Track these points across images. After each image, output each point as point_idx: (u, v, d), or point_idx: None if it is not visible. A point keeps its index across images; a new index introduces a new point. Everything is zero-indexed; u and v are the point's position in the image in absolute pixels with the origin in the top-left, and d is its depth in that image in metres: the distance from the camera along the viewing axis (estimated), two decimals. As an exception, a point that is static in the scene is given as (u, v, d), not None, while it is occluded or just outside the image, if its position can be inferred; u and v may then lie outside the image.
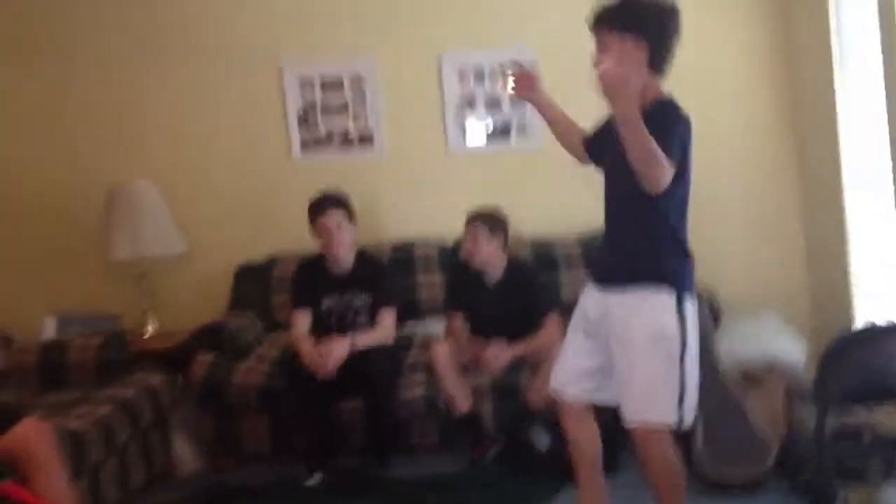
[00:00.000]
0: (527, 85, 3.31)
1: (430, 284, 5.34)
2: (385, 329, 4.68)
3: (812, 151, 5.32)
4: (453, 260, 5.21)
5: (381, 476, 4.38)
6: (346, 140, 5.63)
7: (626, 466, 4.07)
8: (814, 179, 5.34)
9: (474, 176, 5.58)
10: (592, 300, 3.19)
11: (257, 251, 5.50)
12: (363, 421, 4.52)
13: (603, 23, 3.02)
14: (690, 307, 3.01)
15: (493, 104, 5.60)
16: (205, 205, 5.63)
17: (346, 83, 5.60)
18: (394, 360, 4.72)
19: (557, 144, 5.26)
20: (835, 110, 4.87)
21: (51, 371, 4.68)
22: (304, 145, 5.63)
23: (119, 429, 4.20)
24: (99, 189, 5.35)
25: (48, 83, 5.56)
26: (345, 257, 4.71)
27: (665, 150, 2.77)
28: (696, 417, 4.01)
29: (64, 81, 5.57)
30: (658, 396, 2.98)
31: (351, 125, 5.63)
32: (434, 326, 5.15)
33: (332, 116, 5.61)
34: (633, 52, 2.95)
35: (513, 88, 3.33)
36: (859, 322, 4.70)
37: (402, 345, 4.95)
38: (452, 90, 5.58)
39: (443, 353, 4.61)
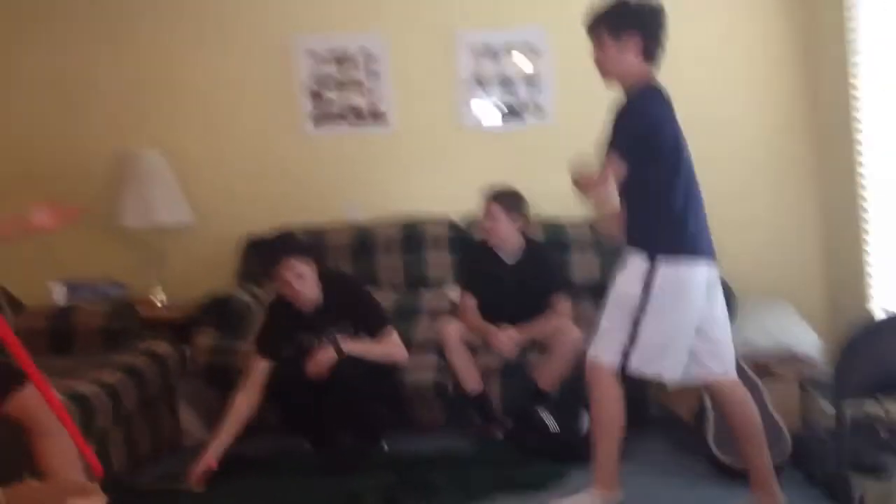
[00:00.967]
0: (588, 184, 3.36)
1: (439, 263, 5.31)
2: (385, 344, 4.38)
3: (830, 142, 5.27)
4: (468, 239, 5.17)
5: (387, 452, 4.35)
6: (357, 115, 5.59)
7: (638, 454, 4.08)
8: (831, 171, 5.30)
9: (485, 154, 5.55)
10: None
11: (266, 224, 5.44)
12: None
13: (599, 25, 3.41)
14: (667, 271, 3.32)
15: (506, 82, 5.55)
16: (215, 176, 5.60)
17: (360, 59, 5.55)
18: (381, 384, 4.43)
19: (570, 124, 5.30)
20: (853, 103, 4.83)
21: (59, 336, 4.67)
22: (316, 120, 5.59)
23: (126, 395, 4.18)
24: (109, 157, 5.33)
25: (61, 51, 5.52)
26: (313, 299, 4.33)
27: (612, 146, 3.28)
28: (710, 403, 4.04)
29: (77, 49, 5.53)
30: (609, 340, 3.42)
31: (363, 101, 5.58)
32: (441, 299, 5.13)
33: (345, 92, 5.57)
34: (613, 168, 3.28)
35: (575, 186, 3.39)
36: (875, 314, 4.67)
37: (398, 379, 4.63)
38: (465, 68, 5.53)
39: (453, 332, 4.60)
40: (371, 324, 4.38)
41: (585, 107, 5.39)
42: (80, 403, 3.78)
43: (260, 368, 4.26)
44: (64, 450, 3.38)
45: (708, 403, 4.09)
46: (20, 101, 5.55)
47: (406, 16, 5.51)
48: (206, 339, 4.75)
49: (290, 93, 5.57)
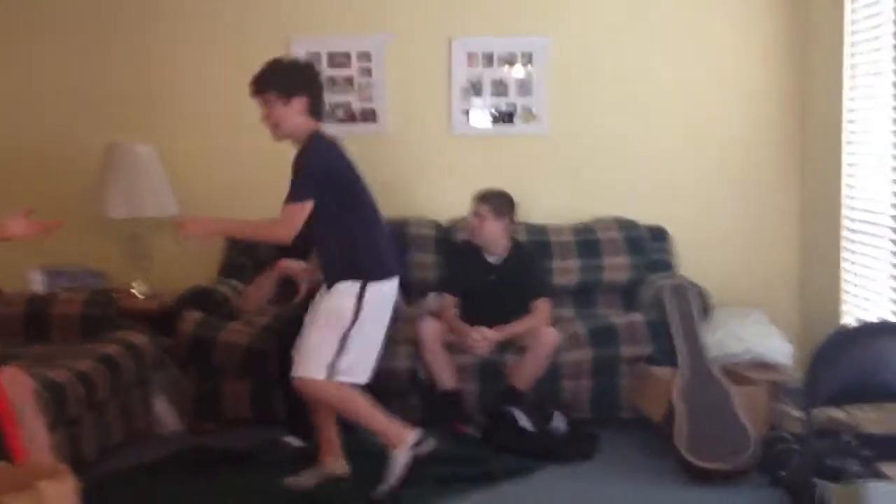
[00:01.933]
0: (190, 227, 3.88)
1: (424, 264, 5.29)
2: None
3: (813, 154, 5.32)
4: (453, 240, 5.20)
5: (362, 446, 4.36)
6: (349, 114, 5.61)
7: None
8: (812, 184, 5.35)
9: (477, 159, 5.57)
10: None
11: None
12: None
13: (267, 88, 3.83)
14: (374, 289, 3.74)
15: (500, 89, 5.57)
16: (202, 170, 5.59)
17: (354, 58, 5.57)
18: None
19: (563, 132, 5.37)
20: (840, 118, 4.89)
21: (35, 323, 4.68)
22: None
23: (99, 383, 4.19)
24: (97, 147, 5.32)
25: (57, 47, 5.51)
26: None
27: (294, 192, 3.72)
28: (680, 405, 4.08)
29: (72, 42, 5.52)
30: (315, 358, 3.69)
31: (355, 100, 5.60)
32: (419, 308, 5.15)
33: (337, 91, 5.58)
34: None
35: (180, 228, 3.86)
36: (847, 323, 4.71)
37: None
38: (460, 73, 5.55)
39: (430, 330, 4.62)
40: None
41: (579, 115, 5.53)
42: (53, 390, 3.78)
43: None
44: (35, 435, 3.39)
45: (678, 406, 4.12)
46: (14, 94, 5.55)
47: (405, 19, 5.52)
48: (192, 315, 4.76)
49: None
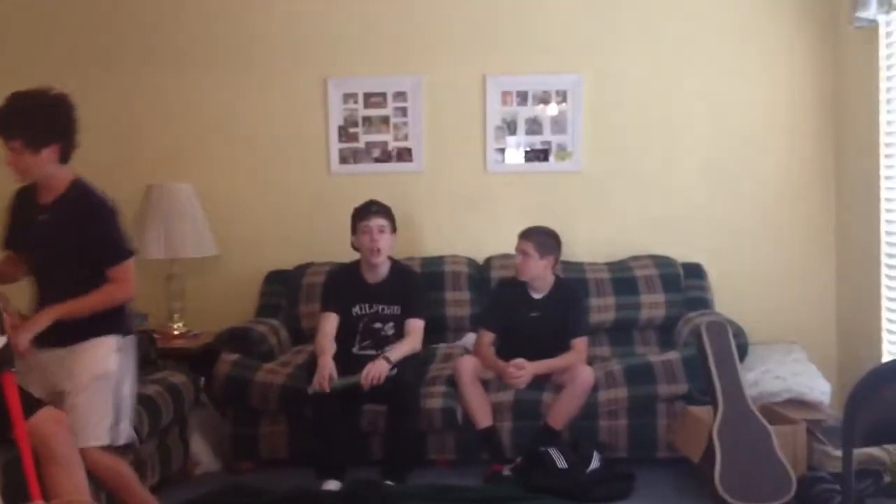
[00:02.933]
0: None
1: (458, 301, 5.32)
2: (414, 339, 4.69)
3: (849, 190, 5.29)
4: (497, 279, 5.21)
5: (396, 487, 4.36)
6: (384, 153, 5.66)
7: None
8: (849, 219, 5.30)
9: (511, 197, 5.60)
10: None
11: (289, 261, 5.52)
12: (385, 428, 4.52)
13: (14, 136, 3.40)
14: (127, 342, 3.71)
15: (534, 127, 5.60)
16: (240, 210, 5.66)
17: (389, 98, 5.63)
18: (419, 370, 4.72)
19: (597, 169, 5.39)
20: (877, 151, 4.83)
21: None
22: (343, 157, 5.66)
23: (138, 424, 4.21)
24: (136, 188, 5.39)
25: (94, 88, 5.51)
26: (381, 263, 4.75)
27: (117, 253, 3.66)
28: (718, 444, 4.03)
29: (112, 85, 5.63)
30: (94, 425, 3.51)
31: (391, 140, 5.65)
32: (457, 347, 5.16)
33: (372, 130, 5.64)
34: None
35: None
36: (887, 361, 4.64)
37: (428, 356, 4.96)
38: (494, 111, 5.59)
39: (467, 367, 4.63)
40: (412, 311, 4.74)
41: (613, 151, 5.53)
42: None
43: (329, 324, 4.70)
44: (75, 482, 3.40)
45: (716, 445, 4.08)
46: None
47: (440, 59, 5.58)
48: (228, 357, 4.80)
49: (319, 130, 5.64)
